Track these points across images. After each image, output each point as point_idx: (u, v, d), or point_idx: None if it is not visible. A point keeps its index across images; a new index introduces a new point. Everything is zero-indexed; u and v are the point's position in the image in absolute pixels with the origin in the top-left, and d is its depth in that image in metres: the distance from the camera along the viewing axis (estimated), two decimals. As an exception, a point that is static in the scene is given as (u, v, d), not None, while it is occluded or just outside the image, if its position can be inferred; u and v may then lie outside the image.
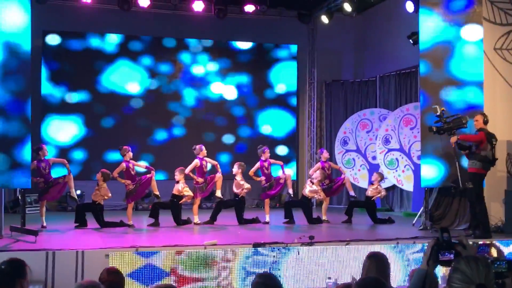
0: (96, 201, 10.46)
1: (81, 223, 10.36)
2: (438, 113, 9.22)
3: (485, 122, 9.15)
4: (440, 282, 4.43)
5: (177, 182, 10.89)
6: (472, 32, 10.03)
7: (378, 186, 11.67)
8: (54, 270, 7.17)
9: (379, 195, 11.68)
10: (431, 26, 10.17)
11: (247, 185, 11.08)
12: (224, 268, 7.59)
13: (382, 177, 12.00)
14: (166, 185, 11.92)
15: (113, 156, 13.66)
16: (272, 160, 11.52)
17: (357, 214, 11.85)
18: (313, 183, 11.26)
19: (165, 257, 7.41)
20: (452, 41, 10.08)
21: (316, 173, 11.40)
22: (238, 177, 11.12)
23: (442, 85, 10.05)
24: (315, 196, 11.49)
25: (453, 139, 9.14)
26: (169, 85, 15.12)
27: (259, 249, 7.80)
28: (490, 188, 9.65)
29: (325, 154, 11.81)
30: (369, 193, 11.66)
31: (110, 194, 10.56)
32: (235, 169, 11.20)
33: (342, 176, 11.87)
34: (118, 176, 10.59)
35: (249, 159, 12.27)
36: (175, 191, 10.88)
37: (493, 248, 4.47)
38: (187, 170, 10.88)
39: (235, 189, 11.17)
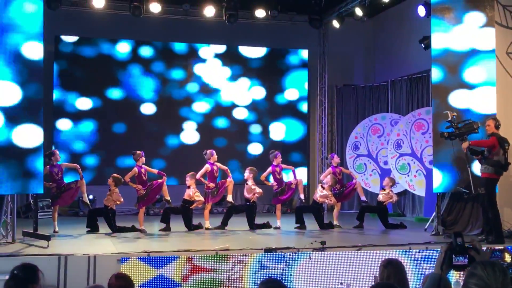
0: (108, 206, 10.49)
1: (93, 228, 10.40)
2: (449, 119, 9.22)
3: (497, 126, 9.10)
4: (453, 287, 4.40)
5: (188, 187, 10.90)
6: (485, 38, 10.00)
7: (390, 191, 11.62)
8: (66, 275, 7.18)
9: (390, 200, 11.63)
10: (442, 35, 10.16)
11: (258, 190, 11.07)
12: (235, 272, 7.57)
13: (393, 182, 11.95)
14: (177, 191, 11.92)
15: (126, 161, 13.73)
16: (283, 165, 11.51)
17: (368, 219, 11.80)
18: (323, 188, 11.23)
19: (176, 267, 7.40)
20: (465, 47, 10.07)
21: (326, 178, 11.38)
22: (250, 182, 11.12)
23: (454, 90, 10.02)
24: (326, 201, 11.47)
25: (465, 144, 9.10)
26: (180, 91, 15.16)
27: (271, 254, 7.78)
28: (503, 193, 9.58)
29: (336, 159, 11.80)
30: (381, 198, 11.62)
31: (122, 199, 10.59)
32: (247, 174, 11.20)
33: (354, 181, 11.83)
34: (130, 181, 10.62)
35: (261, 164, 12.28)
36: (186, 196, 10.90)
37: (507, 253, 4.42)
38: (198, 175, 10.90)
39: (246, 194, 11.17)
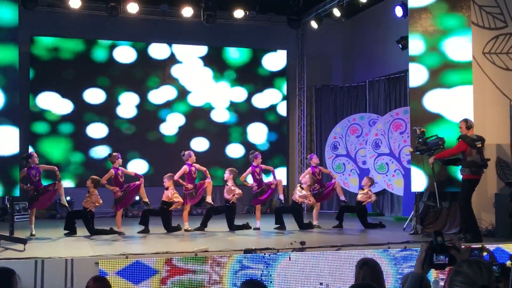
0: (87, 208, 10.37)
1: (70, 230, 10.28)
2: (418, 134, 9.59)
3: (468, 127, 9.26)
4: (432, 286, 4.41)
5: (166, 188, 10.84)
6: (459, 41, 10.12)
7: (369, 191, 11.67)
8: (43, 279, 7.09)
9: (369, 200, 11.67)
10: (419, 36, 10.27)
11: (238, 191, 11.04)
12: (215, 273, 7.54)
13: (372, 182, 12.00)
14: (156, 192, 11.82)
15: (104, 163, 13.63)
16: (263, 166, 11.50)
17: (348, 219, 11.82)
18: (302, 188, 11.23)
19: (156, 261, 7.36)
20: (441, 48, 10.17)
21: (305, 178, 11.39)
22: (230, 183, 11.08)
23: (430, 90, 10.12)
24: (305, 201, 11.47)
25: (431, 160, 9.50)
26: (159, 92, 15.05)
27: (250, 255, 7.75)
28: (481, 192, 9.67)
29: (315, 160, 11.83)
30: (360, 198, 11.66)
31: (101, 201, 10.49)
32: (227, 174, 11.17)
33: (333, 181, 11.86)
34: (107, 183, 10.53)
35: (240, 165, 12.27)
36: (164, 198, 10.83)
37: (485, 252, 4.45)
38: (176, 176, 10.84)
39: (226, 195, 11.13)
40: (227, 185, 11.14)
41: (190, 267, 7.45)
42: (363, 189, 11.76)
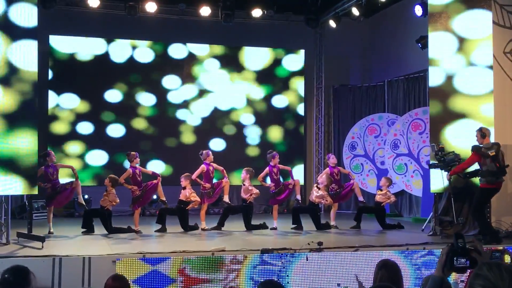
0: (105, 206, 10.42)
1: (88, 229, 10.33)
2: (436, 150, 9.64)
3: (483, 136, 9.17)
4: (452, 289, 4.35)
5: (184, 188, 10.85)
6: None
7: (387, 192, 11.57)
8: (61, 277, 7.12)
9: (388, 200, 11.56)
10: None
11: (255, 190, 11.02)
12: (231, 271, 7.52)
13: (390, 182, 11.90)
14: (173, 192, 11.82)
15: (123, 163, 13.70)
16: (281, 166, 11.45)
17: (366, 220, 11.74)
18: (319, 189, 11.17)
19: (172, 264, 7.34)
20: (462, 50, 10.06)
21: (322, 178, 11.34)
22: (246, 182, 11.07)
23: (451, 94, 10.01)
24: (322, 201, 11.41)
25: (447, 176, 9.56)
26: (177, 92, 15.05)
27: (267, 255, 7.72)
28: (500, 193, 9.53)
29: (332, 160, 11.71)
30: (378, 198, 11.56)
31: (118, 200, 10.54)
32: (243, 174, 11.15)
33: (351, 181, 11.77)
34: (124, 182, 10.57)
35: (258, 165, 12.25)
36: (181, 197, 10.84)
37: (506, 254, 4.37)
38: (194, 176, 10.85)
39: (243, 195, 11.11)
40: (244, 184, 11.12)
41: (204, 277, 7.42)
42: (381, 190, 11.66)
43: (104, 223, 10.31)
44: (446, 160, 9.53)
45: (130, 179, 10.61)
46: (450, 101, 10.03)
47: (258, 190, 11.14)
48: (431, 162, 10.04)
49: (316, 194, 11.16)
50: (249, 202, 11.04)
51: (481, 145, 9.12)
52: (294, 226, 11.05)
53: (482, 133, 9.20)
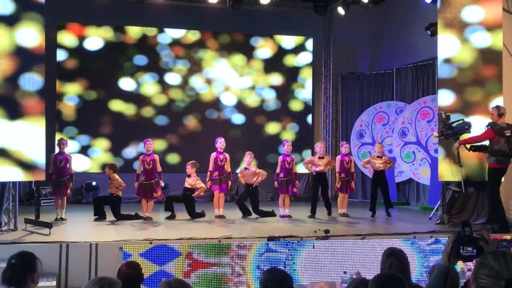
0: (114, 193, 10.45)
1: (100, 215, 10.35)
2: (443, 118, 9.44)
3: (500, 115, 9.05)
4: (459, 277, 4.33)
5: (189, 176, 10.85)
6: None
7: (385, 157, 11.50)
8: (68, 263, 7.16)
9: (389, 165, 11.45)
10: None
11: (263, 172, 11.08)
12: (239, 257, 7.53)
13: (383, 146, 11.86)
14: (181, 179, 11.74)
15: (131, 152, 13.77)
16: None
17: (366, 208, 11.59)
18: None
19: (177, 264, 7.38)
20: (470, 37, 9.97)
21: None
22: (252, 166, 11.03)
23: (465, 83, 9.93)
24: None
25: (456, 144, 9.35)
26: (186, 81, 15.03)
27: (274, 242, 7.72)
28: (509, 181, 9.49)
29: (344, 149, 11.53)
30: (381, 166, 11.31)
31: (124, 184, 10.57)
32: (248, 158, 11.06)
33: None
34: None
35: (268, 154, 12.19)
36: (187, 185, 10.85)
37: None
38: (210, 168, 10.94)
39: (248, 179, 10.97)
40: (247, 168, 11.07)
41: (211, 260, 7.44)
42: (380, 158, 11.46)
43: (113, 210, 10.34)
44: (455, 128, 9.36)
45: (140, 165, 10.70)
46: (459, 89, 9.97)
47: (266, 172, 11.16)
48: (437, 132, 9.85)
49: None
50: (255, 186, 11.03)
51: (498, 123, 9.03)
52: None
53: (500, 112, 9.08)
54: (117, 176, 10.55)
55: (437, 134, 9.84)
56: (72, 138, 13.96)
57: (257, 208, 10.97)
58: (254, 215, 10.95)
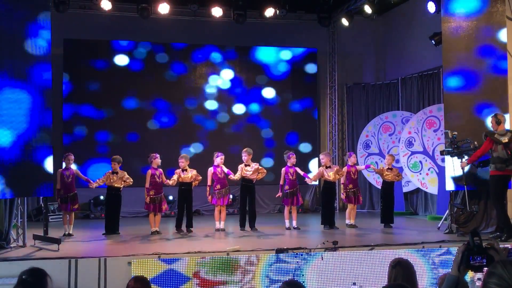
0: (120, 187, 10.57)
1: (112, 230, 10.36)
2: (450, 137, 9.51)
3: (498, 122, 9.09)
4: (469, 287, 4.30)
5: (185, 170, 10.85)
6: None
7: (396, 169, 11.50)
8: (77, 278, 7.15)
9: (398, 178, 11.46)
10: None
11: (264, 170, 11.21)
12: (247, 272, 7.51)
13: (394, 158, 11.85)
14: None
15: (139, 168, 13.80)
16: (297, 169, 11.29)
17: (374, 217, 11.61)
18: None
19: (187, 263, 7.36)
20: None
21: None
22: (252, 163, 11.09)
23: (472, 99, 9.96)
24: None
25: (463, 164, 9.42)
26: (192, 96, 15.07)
27: (282, 254, 7.70)
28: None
29: (352, 158, 11.53)
30: (390, 178, 11.37)
31: (131, 179, 10.64)
32: (246, 156, 11.05)
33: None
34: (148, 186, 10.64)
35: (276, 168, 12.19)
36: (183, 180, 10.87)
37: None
38: (208, 182, 10.95)
39: (250, 175, 10.99)
40: (248, 165, 11.06)
41: (220, 279, 7.42)
42: (391, 169, 11.48)
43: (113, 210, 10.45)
44: (461, 147, 9.40)
45: (150, 181, 10.67)
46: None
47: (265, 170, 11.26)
48: (443, 149, 9.90)
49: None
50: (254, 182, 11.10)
51: (494, 131, 9.03)
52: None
53: (497, 119, 9.11)
54: (120, 170, 10.63)
55: (445, 153, 9.79)
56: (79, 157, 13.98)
57: (253, 205, 11.04)
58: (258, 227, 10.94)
